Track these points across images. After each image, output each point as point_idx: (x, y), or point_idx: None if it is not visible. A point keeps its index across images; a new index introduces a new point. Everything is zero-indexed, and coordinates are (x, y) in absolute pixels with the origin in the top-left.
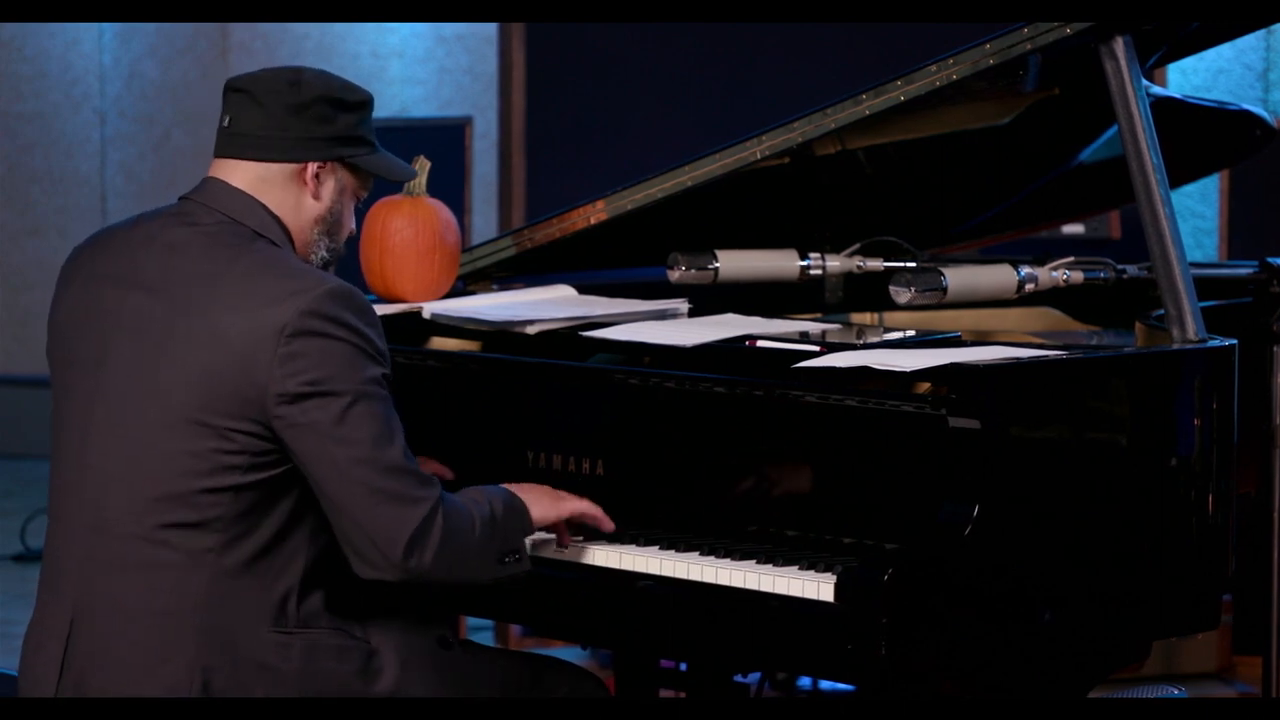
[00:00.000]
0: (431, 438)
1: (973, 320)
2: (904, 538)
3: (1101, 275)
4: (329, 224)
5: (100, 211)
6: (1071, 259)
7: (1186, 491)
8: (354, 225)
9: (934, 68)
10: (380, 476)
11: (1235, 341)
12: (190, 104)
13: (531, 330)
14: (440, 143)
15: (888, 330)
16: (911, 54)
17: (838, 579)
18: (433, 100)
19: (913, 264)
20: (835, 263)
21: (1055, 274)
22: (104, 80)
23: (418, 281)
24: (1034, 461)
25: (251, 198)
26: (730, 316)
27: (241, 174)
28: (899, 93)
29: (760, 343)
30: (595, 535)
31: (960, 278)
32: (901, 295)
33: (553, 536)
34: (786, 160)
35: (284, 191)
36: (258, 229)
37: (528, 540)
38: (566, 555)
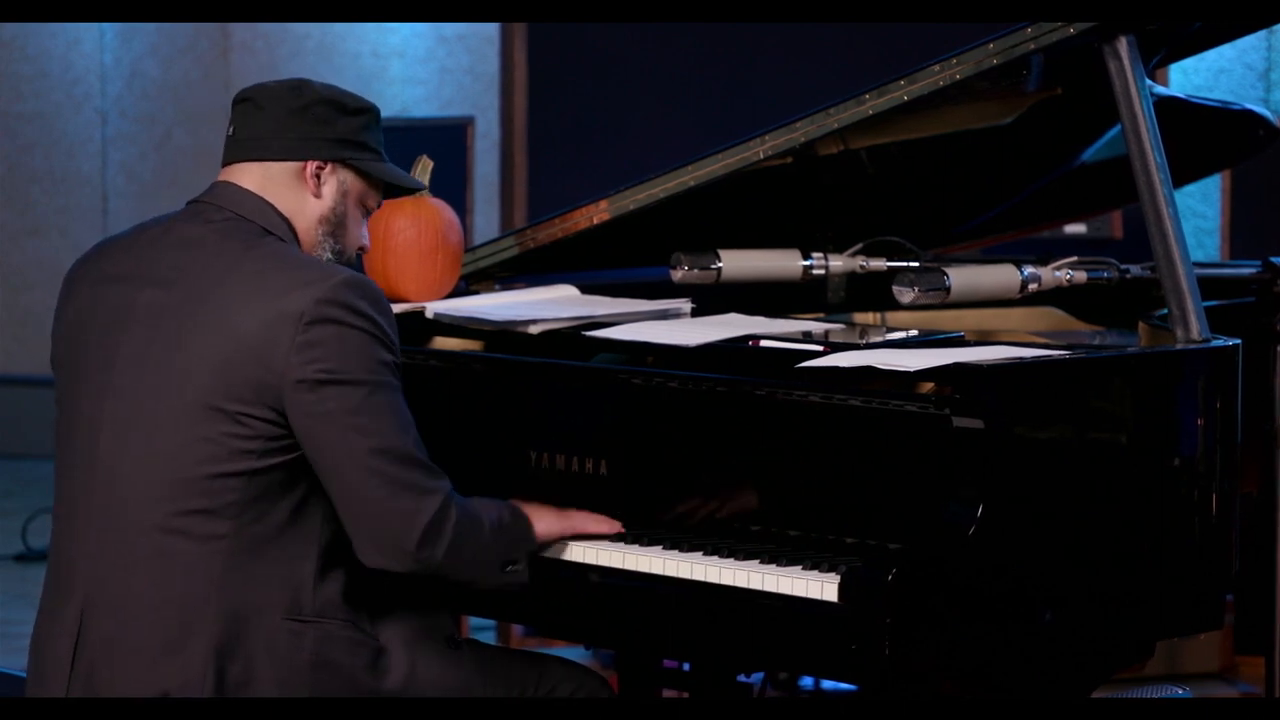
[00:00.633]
0: (434, 438)
1: (975, 320)
2: (907, 538)
3: (1105, 275)
4: (332, 224)
5: (101, 211)
6: (1075, 259)
7: (1190, 491)
8: (365, 239)
9: (937, 67)
10: (395, 466)
11: (1239, 341)
12: (191, 103)
13: (534, 330)
14: (442, 143)
15: (891, 330)
16: (912, 54)
17: (841, 579)
18: (433, 100)
19: (915, 264)
20: (838, 263)
21: (1058, 274)
22: (105, 80)
23: (420, 281)
24: (1038, 461)
25: (259, 197)
26: (733, 316)
27: (248, 175)
28: (902, 92)
29: (763, 342)
30: (598, 535)
31: (963, 277)
32: (905, 295)
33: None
34: (789, 160)
35: (287, 190)
36: (266, 226)
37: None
38: (569, 555)
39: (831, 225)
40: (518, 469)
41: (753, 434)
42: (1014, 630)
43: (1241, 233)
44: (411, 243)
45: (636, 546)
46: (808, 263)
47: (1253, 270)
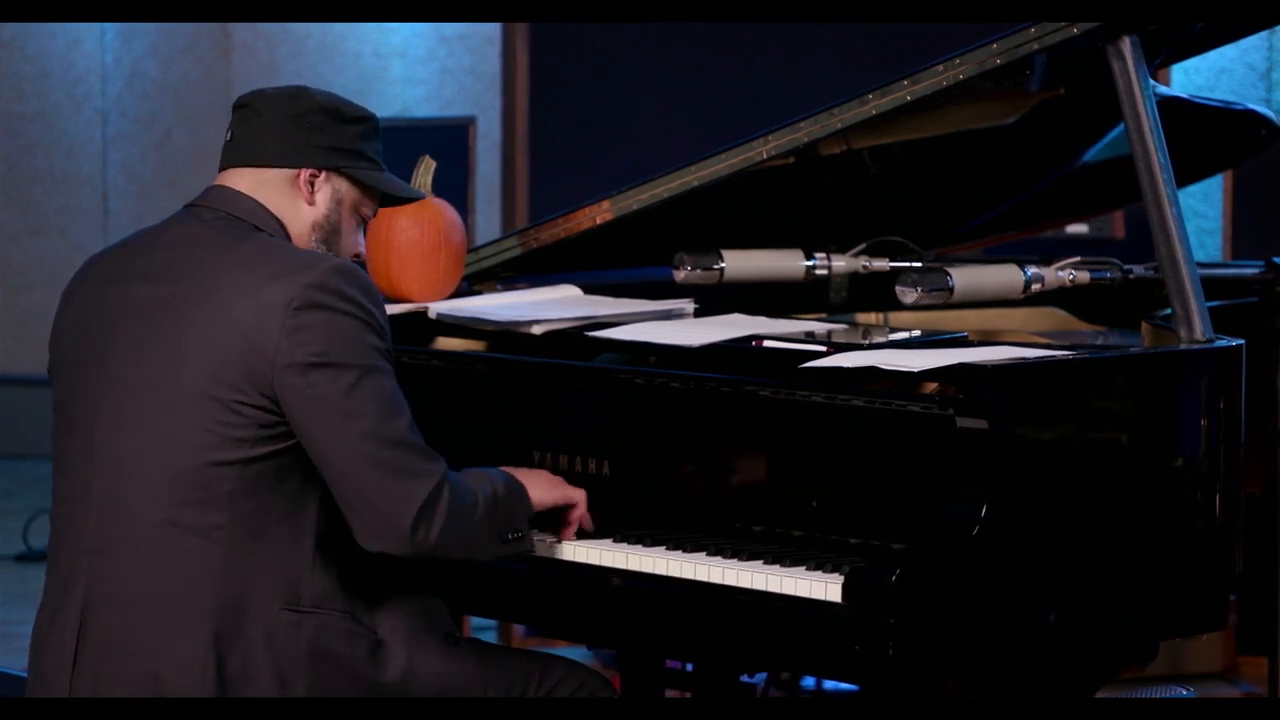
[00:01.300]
0: (437, 438)
1: (978, 320)
2: (911, 538)
3: (1108, 275)
4: (326, 231)
5: (102, 211)
6: (1078, 259)
7: (1193, 492)
8: (361, 246)
9: (941, 67)
10: (388, 450)
11: (1242, 342)
12: (192, 103)
13: (537, 330)
14: (443, 143)
15: (893, 330)
16: (913, 54)
17: (845, 579)
18: (434, 100)
19: (918, 264)
20: (841, 263)
21: (1061, 274)
22: (105, 80)
23: (423, 281)
24: (1042, 462)
25: (253, 199)
26: (736, 316)
27: (242, 180)
28: (905, 92)
29: (766, 343)
30: (601, 534)
31: (966, 278)
32: (908, 295)
33: (555, 538)
34: (791, 160)
35: (281, 195)
36: (258, 225)
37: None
38: (572, 556)
39: (833, 225)
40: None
41: (756, 434)
42: (1017, 631)
43: (1243, 233)
44: (414, 243)
45: (640, 547)
46: (810, 263)
47: (1255, 270)
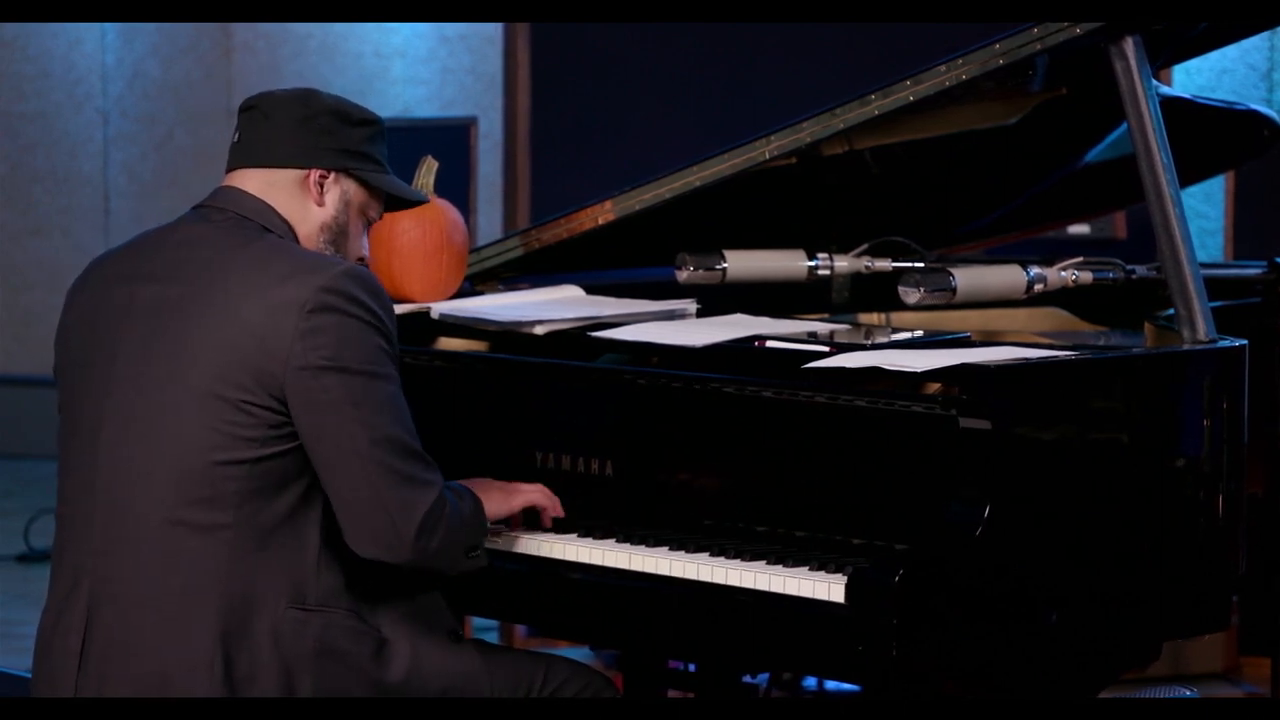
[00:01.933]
0: (439, 438)
1: (980, 321)
2: (914, 538)
3: (1110, 275)
4: (334, 233)
5: (103, 211)
6: (1080, 259)
7: (1196, 492)
8: (365, 249)
9: (943, 68)
10: (396, 457)
11: (1245, 342)
12: (193, 104)
13: (540, 330)
14: (444, 143)
15: (896, 330)
16: (912, 54)
17: (848, 580)
18: (435, 100)
19: (921, 264)
20: (843, 263)
21: (1064, 274)
22: (106, 80)
23: (425, 282)
24: (1044, 462)
25: (261, 200)
26: (739, 317)
27: (251, 181)
28: (908, 93)
29: (769, 343)
30: (604, 534)
31: (969, 278)
32: (911, 295)
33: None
34: (793, 160)
35: (290, 196)
36: (267, 226)
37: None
38: (574, 556)
39: (835, 226)
40: (523, 470)
41: (759, 434)
42: (1020, 631)
43: (1245, 233)
44: (416, 243)
45: (643, 547)
46: (813, 263)
47: (1258, 271)
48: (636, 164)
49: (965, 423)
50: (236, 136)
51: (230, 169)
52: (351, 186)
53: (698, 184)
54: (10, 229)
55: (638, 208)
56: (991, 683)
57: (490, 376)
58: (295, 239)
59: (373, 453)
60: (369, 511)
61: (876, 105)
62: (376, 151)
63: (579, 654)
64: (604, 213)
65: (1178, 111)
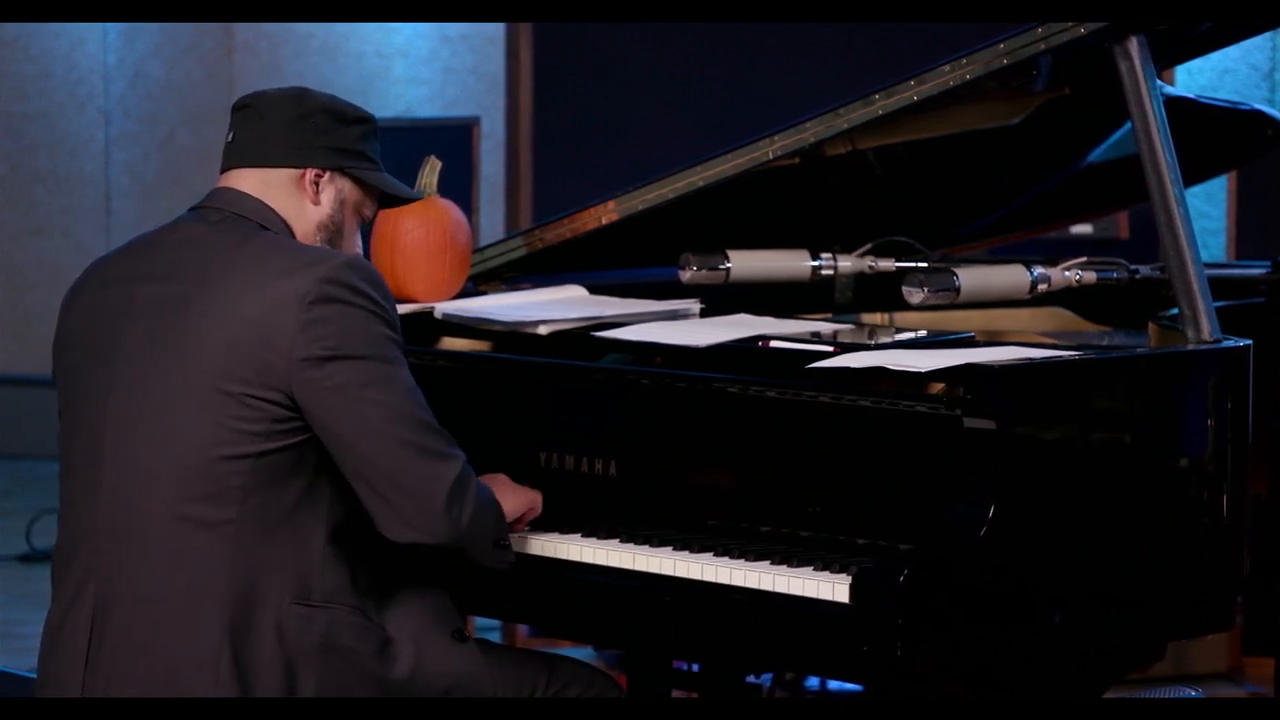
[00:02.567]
0: None
1: (983, 320)
2: (918, 539)
3: (1114, 275)
4: (330, 231)
5: (104, 211)
6: (1084, 259)
7: (1200, 492)
8: (360, 246)
9: (947, 68)
10: (415, 432)
11: (1250, 342)
12: (195, 104)
13: (543, 330)
14: (446, 143)
15: (900, 330)
16: (913, 54)
17: (853, 580)
18: (437, 100)
19: (924, 264)
20: (847, 263)
21: (1068, 274)
22: (108, 80)
23: (429, 281)
24: (1049, 462)
25: (258, 199)
26: (743, 317)
27: (247, 180)
28: (912, 93)
29: (773, 343)
30: (607, 534)
31: (973, 278)
32: (915, 295)
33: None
34: (797, 160)
35: (286, 195)
36: (264, 224)
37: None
38: (577, 556)
39: (838, 225)
40: (527, 470)
41: (763, 435)
42: (1025, 632)
43: (1247, 233)
44: (419, 243)
45: (646, 547)
46: (816, 263)
47: (1262, 271)
48: (638, 163)
49: (970, 423)
50: (230, 136)
51: (225, 169)
52: (346, 185)
53: (701, 184)
54: (11, 229)
55: (641, 208)
56: (995, 683)
57: (493, 376)
58: (292, 237)
59: (390, 429)
60: (395, 489)
61: (880, 105)
62: (370, 149)
63: (582, 654)
64: (607, 213)
65: (1181, 111)
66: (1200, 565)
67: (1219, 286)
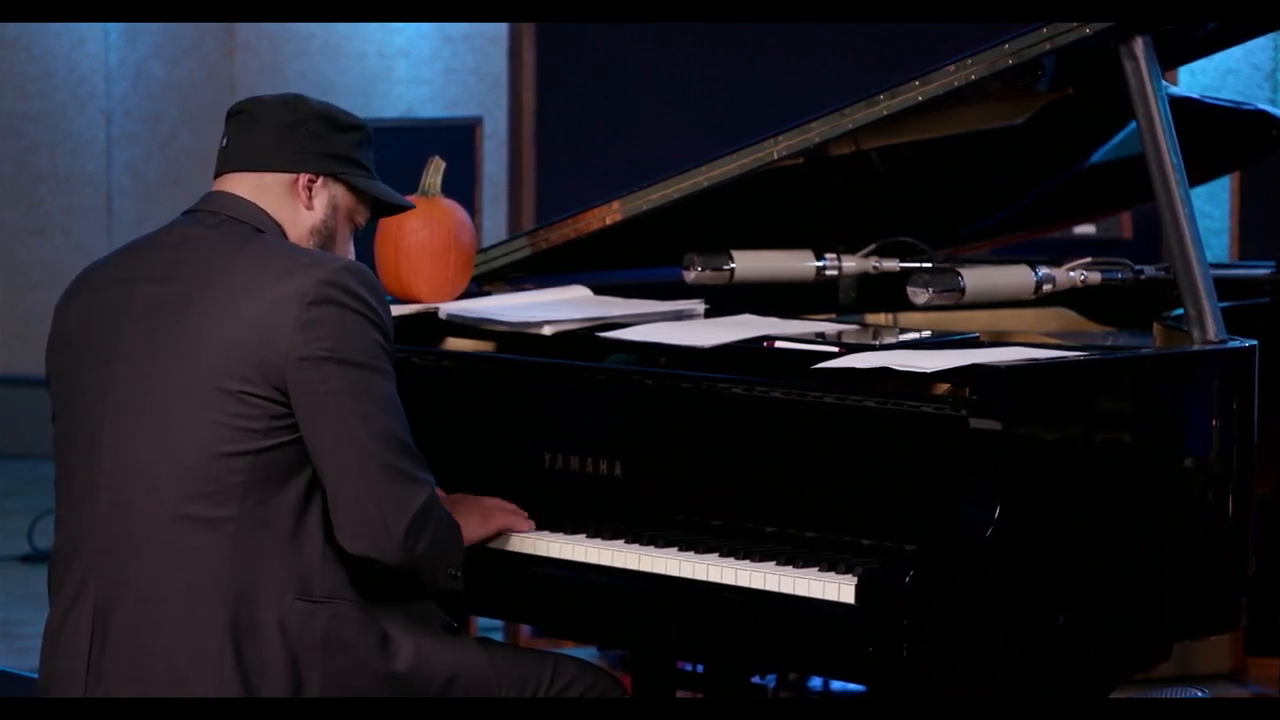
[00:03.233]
0: (447, 439)
1: (987, 321)
2: (924, 539)
3: (1119, 276)
4: (323, 236)
5: (106, 211)
6: (1089, 259)
7: (1205, 493)
8: (351, 253)
9: (952, 68)
10: (392, 453)
11: (1255, 342)
12: (196, 104)
13: (548, 331)
14: (449, 143)
15: (904, 331)
16: (913, 54)
17: (859, 581)
18: (439, 100)
19: (929, 264)
20: (851, 263)
21: (1073, 274)
22: (110, 80)
23: (433, 282)
24: (1055, 463)
25: (252, 203)
26: (747, 317)
27: (241, 184)
28: (917, 93)
29: (778, 343)
30: (612, 535)
31: (978, 278)
32: (919, 296)
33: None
34: (801, 160)
35: (280, 200)
36: (259, 228)
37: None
38: (581, 557)
39: (842, 226)
40: (532, 470)
41: (768, 435)
42: (1030, 632)
43: (1249, 233)
44: (424, 243)
45: (651, 548)
46: (821, 263)
47: (1266, 271)
48: (641, 163)
49: (975, 423)
50: (225, 141)
51: (219, 173)
52: (339, 191)
53: (705, 184)
54: (13, 229)
55: (645, 208)
56: (999, 683)
57: (498, 377)
58: (286, 239)
59: (370, 446)
60: (361, 505)
61: (885, 105)
62: (363, 156)
63: (586, 654)
64: (611, 213)
65: (1186, 111)
66: (1205, 566)
67: (1223, 287)
